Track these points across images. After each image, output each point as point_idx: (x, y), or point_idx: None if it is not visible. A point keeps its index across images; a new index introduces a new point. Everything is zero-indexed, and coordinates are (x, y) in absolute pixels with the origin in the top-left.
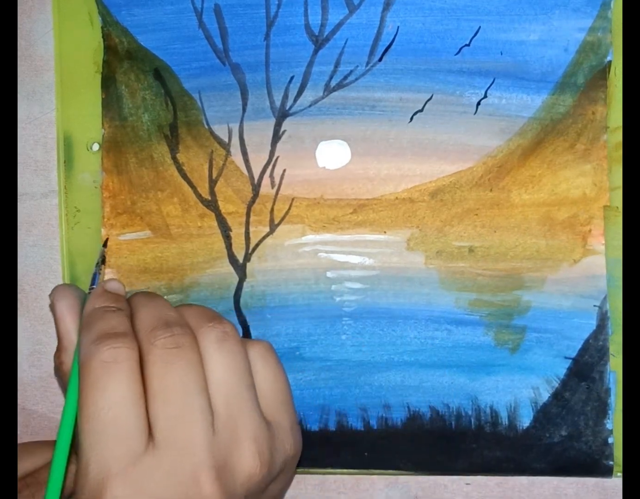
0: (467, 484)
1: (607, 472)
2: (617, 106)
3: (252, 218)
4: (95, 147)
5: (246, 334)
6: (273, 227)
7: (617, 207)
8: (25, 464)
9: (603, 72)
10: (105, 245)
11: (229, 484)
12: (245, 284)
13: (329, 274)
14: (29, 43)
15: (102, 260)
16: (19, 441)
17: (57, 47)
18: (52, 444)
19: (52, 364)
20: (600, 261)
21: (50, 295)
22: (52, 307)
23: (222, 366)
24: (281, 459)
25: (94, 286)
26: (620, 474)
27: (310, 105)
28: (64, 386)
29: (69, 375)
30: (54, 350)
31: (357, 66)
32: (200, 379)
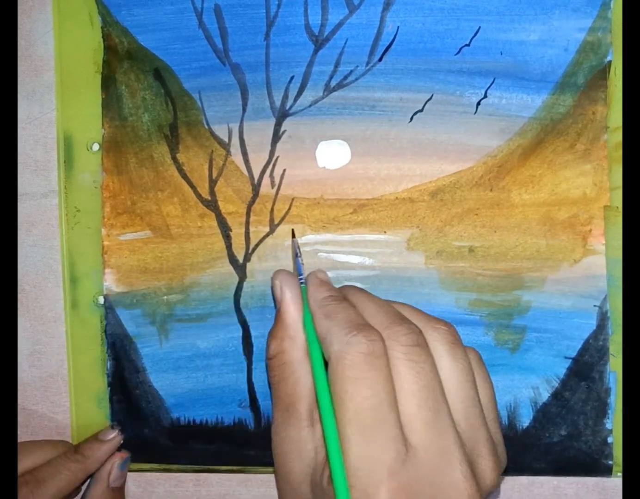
0: None
1: (607, 472)
2: (617, 106)
3: (252, 218)
4: (96, 147)
5: (246, 334)
6: (273, 226)
7: (617, 207)
8: (26, 463)
9: (603, 72)
10: (294, 235)
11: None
12: (245, 284)
13: (329, 274)
14: (29, 43)
15: (299, 250)
16: (19, 441)
17: (57, 47)
18: (52, 443)
19: (52, 364)
20: (600, 261)
21: (275, 280)
22: (277, 293)
23: (456, 373)
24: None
25: (302, 277)
26: (620, 474)
27: (310, 105)
28: (280, 375)
29: (294, 365)
30: (54, 350)
31: (357, 66)
32: (440, 383)
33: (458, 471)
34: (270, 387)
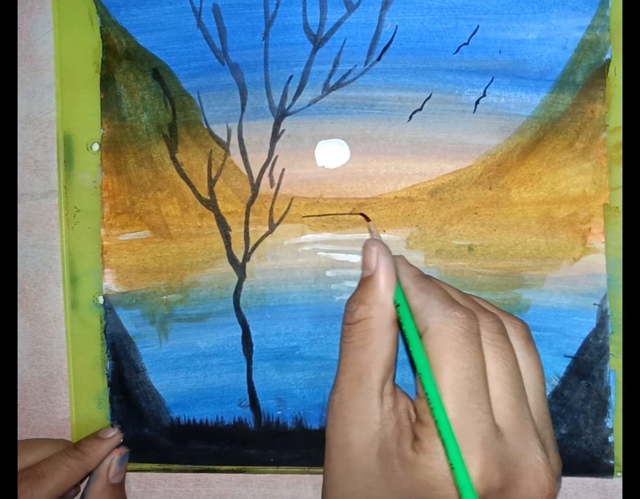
0: None
1: (607, 471)
2: (617, 106)
3: (251, 217)
4: (96, 146)
5: (246, 333)
6: (272, 226)
7: (617, 207)
8: (26, 459)
9: (602, 70)
10: (368, 219)
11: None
12: (244, 283)
13: (328, 273)
14: (29, 43)
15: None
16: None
17: (57, 47)
18: (52, 441)
19: (52, 364)
20: (600, 259)
21: (371, 246)
22: (371, 261)
23: (531, 367)
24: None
25: None
26: (620, 473)
27: (309, 105)
28: (361, 341)
29: (378, 332)
30: (54, 350)
31: (356, 65)
32: (520, 373)
33: (538, 456)
34: (341, 353)
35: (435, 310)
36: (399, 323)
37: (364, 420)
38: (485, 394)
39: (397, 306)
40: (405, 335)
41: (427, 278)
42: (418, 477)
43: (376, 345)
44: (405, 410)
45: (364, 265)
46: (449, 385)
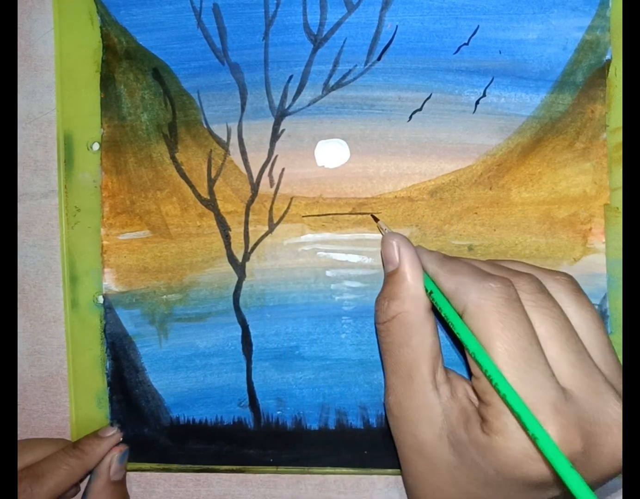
0: None
1: None
2: (617, 107)
3: (251, 217)
4: (96, 146)
5: (245, 333)
6: (272, 226)
7: (618, 208)
8: (26, 459)
9: (602, 70)
10: (376, 219)
11: None
12: (244, 283)
13: (328, 273)
14: (29, 43)
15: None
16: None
17: (57, 47)
18: (52, 440)
19: (52, 364)
20: (600, 259)
21: (391, 240)
22: (393, 254)
23: (586, 320)
24: None
25: None
26: (620, 473)
27: (309, 104)
28: (402, 337)
29: (417, 325)
30: (54, 350)
31: (356, 65)
32: (573, 327)
33: (617, 408)
34: (384, 353)
35: (470, 288)
36: (434, 311)
37: (426, 416)
38: (543, 359)
39: (429, 294)
40: (447, 319)
41: (453, 258)
42: (498, 460)
43: (418, 338)
44: (465, 395)
45: (387, 260)
46: (504, 359)
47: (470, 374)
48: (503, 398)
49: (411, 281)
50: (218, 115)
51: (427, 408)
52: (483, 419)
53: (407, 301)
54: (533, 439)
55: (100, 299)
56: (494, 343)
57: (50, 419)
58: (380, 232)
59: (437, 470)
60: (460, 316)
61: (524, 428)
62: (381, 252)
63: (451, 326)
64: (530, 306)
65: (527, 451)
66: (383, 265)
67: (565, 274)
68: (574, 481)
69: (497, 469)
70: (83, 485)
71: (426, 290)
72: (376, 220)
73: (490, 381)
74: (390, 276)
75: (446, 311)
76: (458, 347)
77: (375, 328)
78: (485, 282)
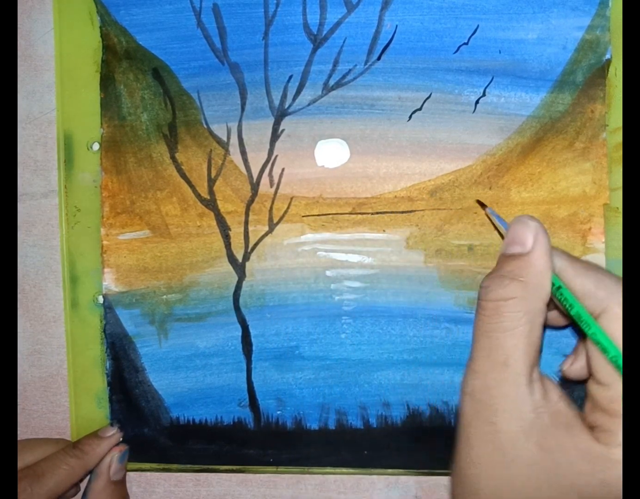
0: None
1: None
2: (617, 107)
3: (251, 217)
4: (96, 146)
5: (245, 333)
6: (272, 226)
7: (617, 208)
8: (26, 458)
9: (602, 70)
10: (484, 205)
11: None
12: (244, 283)
13: (328, 273)
14: (29, 43)
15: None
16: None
17: (57, 47)
18: (53, 440)
19: (52, 364)
20: (600, 259)
21: (530, 222)
22: (527, 238)
23: None
24: None
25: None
26: None
27: (309, 104)
28: (510, 323)
29: (531, 314)
30: (54, 350)
31: (356, 65)
32: None
33: None
34: (481, 333)
35: (614, 288)
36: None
37: (514, 408)
38: None
39: (557, 289)
40: (579, 319)
41: (580, 259)
42: (613, 471)
43: (527, 327)
44: (560, 398)
45: (516, 240)
46: None
47: (594, 380)
48: None
49: (542, 270)
50: (218, 115)
51: (516, 401)
52: (599, 429)
53: (531, 287)
54: None
55: (100, 299)
56: None
57: (50, 419)
58: (489, 218)
59: (512, 464)
60: (595, 317)
61: None
62: (509, 231)
63: (583, 326)
64: None
65: None
66: (502, 243)
67: None
68: None
69: (607, 481)
70: (83, 485)
71: (553, 285)
72: (484, 206)
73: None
74: (516, 258)
75: (578, 309)
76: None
77: (479, 304)
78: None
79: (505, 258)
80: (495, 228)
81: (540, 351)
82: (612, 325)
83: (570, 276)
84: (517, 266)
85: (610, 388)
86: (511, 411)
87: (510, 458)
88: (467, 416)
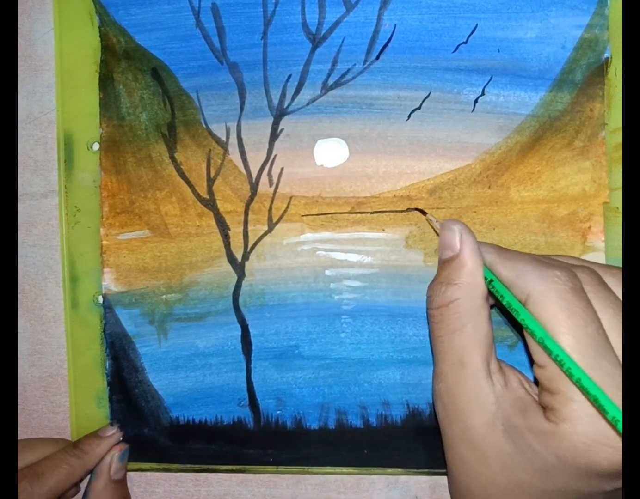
0: None
1: None
2: (617, 107)
3: (250, 216)
4: (96, 146)
5: (245, 333)
6: (271, 225)
7: (617, 208)
8: (26, 458)
9: (600, 69)
10: (424, 213)
11: None
12: (244, 283)
13: (327, 272)
14: (29, 43)
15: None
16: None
17: (57, 47)
18: (53, 440)
19: (52, 364)
20: (600, 258)
21: (453, 226)
22: (454, 240)
23: None
24: None
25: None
26: None
27: (308, 104)
28: (455, 324)
29: (472, 312)
30: (54, 350)
31: (355, 64)
32: None
33: None
34: (435, 340)
35: (532, 275)
36: (493, 299)
37: (477, 404)
38: (609, 347)
39: (489, 282)
40: (509, 307)
41: (509, 249)
42: (564, 446)
43: (472, 325)
44: (520, 385)
45: (446, 246)
46: (571, 347)
47: (531, 363)
48: (577, 383)
49: (471, 268)
50: (217, 115)
51: (478, 396)
52: (548, 408)
53: (465, 287)
54: (613, 423)
55: (100, 299)
56: (560, 329)
57: (50, 419)
58: (430, 225)
59: (487, 459)
60: (523, 304)
61: (601, 412)
62: (439, 238)
63: (514, 314)
64: (592, 296)
65: (597, 437)
66: (439, 250)
67: (619, 268)
68: None
69: (561, 456)
70: (83, 485)
71: (485, 279)
72: (424, 213)
73: (562, 366)
74: (449, 262)
75: (508, 299)
76: (522, 337)
77: (427, 313)
78: (550, 270)
79: (441, 264)
80: (436, 233)
81: (494, 343)
82: (533, 310)
83: (499, 269)
84: (451, 270)
85: (547, 369)
86: (475, 407)
87: (486, 454)
88: (441, 419)
